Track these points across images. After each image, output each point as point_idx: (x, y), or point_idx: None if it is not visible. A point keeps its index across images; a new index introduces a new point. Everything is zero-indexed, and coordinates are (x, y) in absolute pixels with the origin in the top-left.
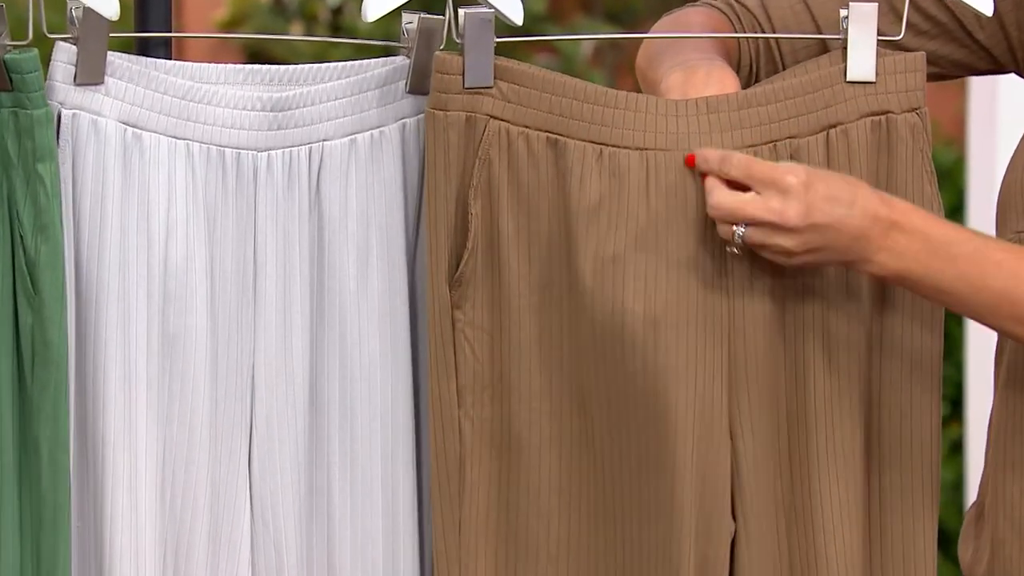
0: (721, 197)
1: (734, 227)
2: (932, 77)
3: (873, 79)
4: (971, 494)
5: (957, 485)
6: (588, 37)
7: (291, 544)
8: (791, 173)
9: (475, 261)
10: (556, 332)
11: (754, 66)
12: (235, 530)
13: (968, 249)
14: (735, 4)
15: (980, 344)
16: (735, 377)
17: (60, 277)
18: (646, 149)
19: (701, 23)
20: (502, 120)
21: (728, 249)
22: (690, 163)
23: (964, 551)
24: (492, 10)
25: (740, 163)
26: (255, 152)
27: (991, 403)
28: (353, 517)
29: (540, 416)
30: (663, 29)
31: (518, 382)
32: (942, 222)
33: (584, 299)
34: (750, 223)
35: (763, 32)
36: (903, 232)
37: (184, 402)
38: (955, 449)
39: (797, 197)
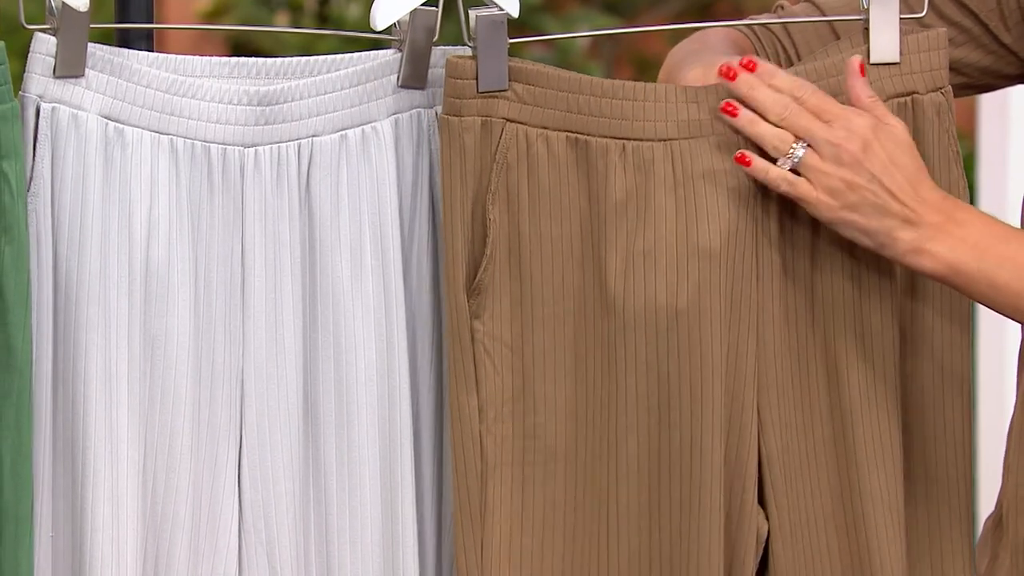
0: (797, 113)
1: (792, 145)
2: (960, 88)
3: (897, 60)
4: (982, 501)
5: None
6: (595, 34)
7: (286, 555)
8: (862, 116)
9: (494, 269)
10: (583, 338)
11: None
12: (219, 540)
13: (1021, 237)
14: (755, 25)
15: (991, 348)
16: (763, 370)
17: (25, 280)
18: (670, 140)
19: (722, 36)
20: (519, 123)
21: (775, 173)
22: (727, 75)
23: (981, 560)
24: (503, 11)
25: (815, 94)
26: (241, 148)
27: (1004, 404)
28: (352, 526)
29: (565, 428)
30: (684, 50)
31: (543, 395)
32: (997, 220)
33: (614, 299)
34: (811, 142)
35: (783, 48)
36: (960, 225)
37: (165, 407)
38: None
39: (862, 135)
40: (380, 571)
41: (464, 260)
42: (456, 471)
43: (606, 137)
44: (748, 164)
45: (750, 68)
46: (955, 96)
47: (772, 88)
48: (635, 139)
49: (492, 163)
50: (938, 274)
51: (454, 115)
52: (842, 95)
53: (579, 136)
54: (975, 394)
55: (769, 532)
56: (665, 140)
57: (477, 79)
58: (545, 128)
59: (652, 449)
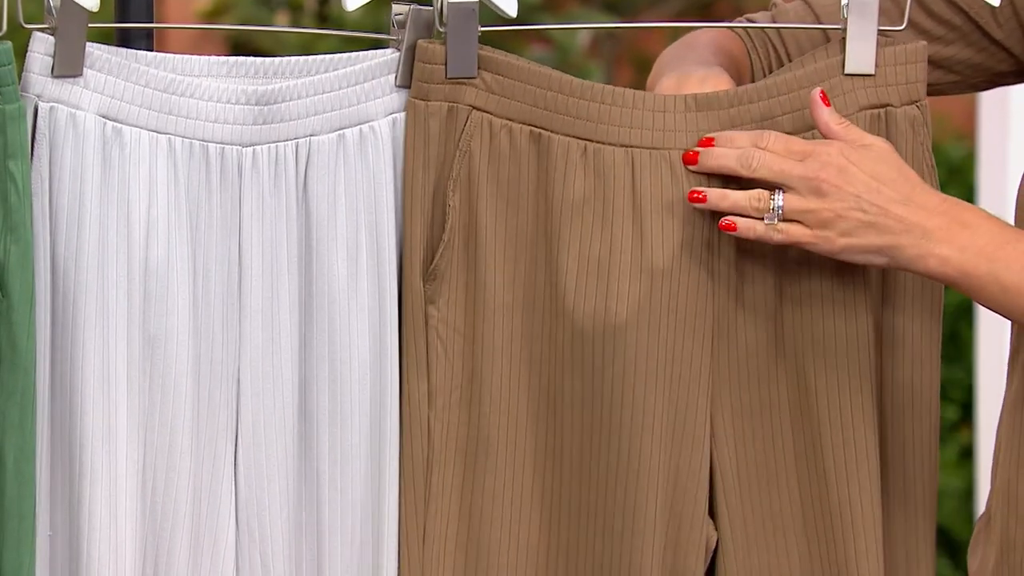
0: (767, 159)
1: (771, 198)
2: (952, 85)
3: (872, 72)
4: (981, 501)
5: (967, 493)
6: (577, 27)
7: (279, 553)
8: (831, 144)
9: (451, 255)
10: (530, 333)
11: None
12: (218, 539)
13: None
14: (746, 23)
15: (991, 347)
16: (717, 381)
17: (30, 280)
18: (631, 147)
19: (709, 40)
20: (485, 112)
21: (764, 228)
22: (691, 161)
23: (973, 559)
24: (476, 0)
25: (778, 138)
26: (240, 147)
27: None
28: (344, 524)
29: (508, 421)
30: (670, 55)
31: (489, 384)
32: (1001, 220)
33: (564, 301)
34: (786, 182)
35: (775, 49)
36: (965, 227)
37: (165, 406)
38: (965, 455)
39: (835, 162)
40: (370, 569)
41: (422, 245)
42: (403, 458)
43: (568, 136)
44: (734, 229)
45: (708, 145)
46: (949, 94)
47: (733, 148)
48: (596, 141)
49: (455, 150)
50: (948, 278)
51: (421, 99)
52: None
53: (542, 131)
54: (975, 401)
55: (719, 543)
56: (627, 147)
57: (446, 65)
58: (510, 120)
59: (591, 451)
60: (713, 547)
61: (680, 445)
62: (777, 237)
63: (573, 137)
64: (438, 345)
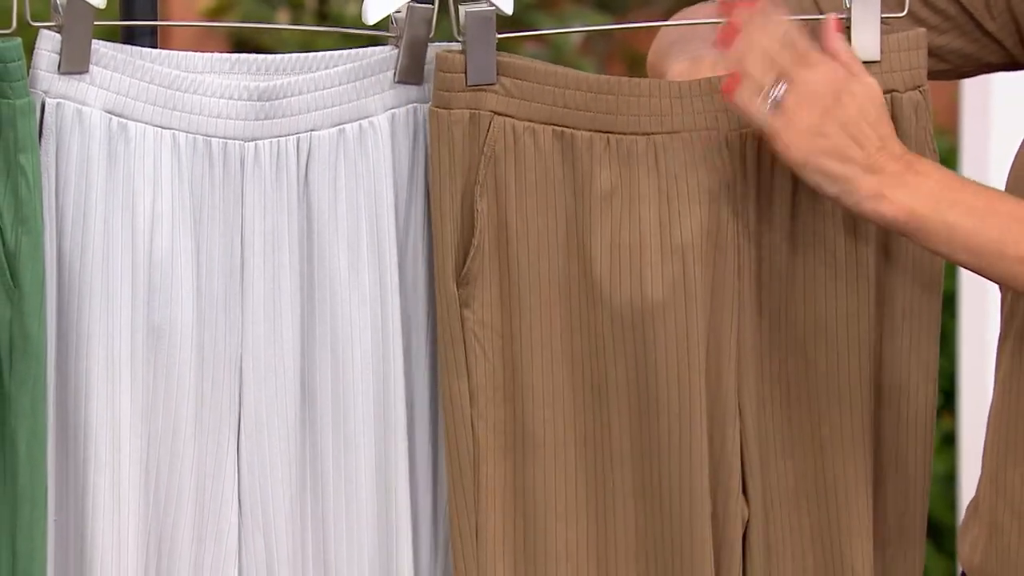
0: (785, 51)
1: (777, 85)
2: (941, 74)
3: (878, 58)
4: (963, 487)
5: (949, 478)
6: (586, 29)
7: (283, 538)
8: (837, 69)
9: (482, 258)
10: (569, 327)
11: None
12: (221, 524)
13: (976, 187)
14: None
15: (973, 335)
16: (743, 359)
17: (40, 270)
18: (653, 134)
19: (710, 17)
20: (507, 116)
21: (757, 106)
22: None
23: (963, 543)
24: (492, 7)
25: (806, 42)
26: (242, 142)
27: (985, 393)
28: (348, 512)
29: (554, 414)
30: (672, 36)
31: (530, 380)
32: (955, 173)
33: (600, 289)
34: (790, 82)
35: None
36: (918, 175)
37: (169, 395)
38: (947, 441)
39: (836, 85)
40: (375, 555)
41: (453, 250)
42: (449, 457)
43: (591, 131)
44: (734, 88)
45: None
46: (936, 80)
47: (769, 20)
48: (619, 133)
49: (480, 155)
50: (897, 220)
51: (443, 108)
52: None
53: (565, 129)
54: (958, 388)
55: (749, 518)
56: (648, 134)
57: (466, 73)
58: (532, 121)
59: (640, 436)
60: (746, 521)
61: (720, 422)
62: (759, 121)
63: (596, 131)
64: (476, 347)
